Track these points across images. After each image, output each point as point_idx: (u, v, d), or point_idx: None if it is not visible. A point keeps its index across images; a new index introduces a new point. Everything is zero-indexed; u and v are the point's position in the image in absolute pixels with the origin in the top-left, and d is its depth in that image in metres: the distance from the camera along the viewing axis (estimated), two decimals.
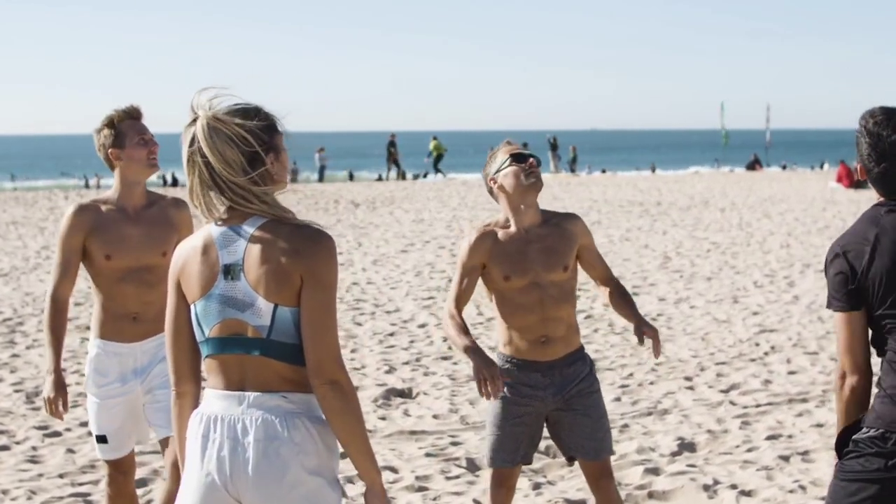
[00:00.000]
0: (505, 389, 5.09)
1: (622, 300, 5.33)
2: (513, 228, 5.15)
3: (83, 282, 12.38)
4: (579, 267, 5.30)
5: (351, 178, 51.29)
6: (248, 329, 3.36)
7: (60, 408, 5.25)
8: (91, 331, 5.39)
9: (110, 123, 5.22)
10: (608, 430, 5.26)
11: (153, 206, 5.33)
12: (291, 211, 3.44)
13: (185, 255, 3.48)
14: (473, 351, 4.93)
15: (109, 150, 5.20)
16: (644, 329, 5.17)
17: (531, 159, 5.14)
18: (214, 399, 3.42)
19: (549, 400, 5.17)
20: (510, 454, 5.19)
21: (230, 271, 3.38)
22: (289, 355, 3.37)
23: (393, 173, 46.25)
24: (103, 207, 5.25)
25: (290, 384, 3.38)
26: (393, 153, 45.71)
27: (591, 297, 13.68)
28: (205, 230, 3.47)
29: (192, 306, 3.45)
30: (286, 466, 3.33)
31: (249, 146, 3.36)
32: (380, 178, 47.45)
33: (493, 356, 5.16)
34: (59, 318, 5.23)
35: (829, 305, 3.92)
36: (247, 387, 3.38)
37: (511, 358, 5.17)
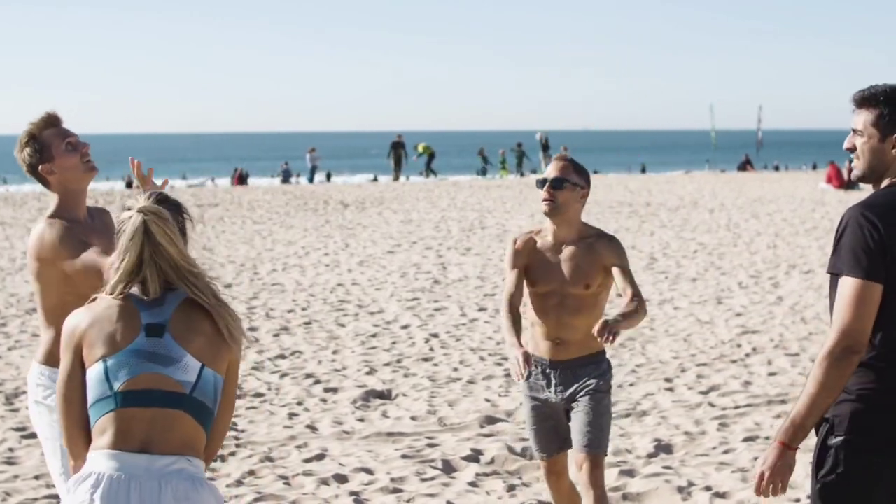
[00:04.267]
0: (522, 383, 5.64)
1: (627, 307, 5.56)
2: (549, 239, 5.65)
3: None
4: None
5: (328, 178, 51.04)
6: (170, 383, 3.39)
7: None
8: (44, 360, 4.71)
9: (30, 139, 4.72)
10: (603, 429, 5.51)
11: (93, 216, 4.88)
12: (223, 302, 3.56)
13: (92, 318, 3.48)
14: (511, 344, 5.55)
15: (40, 168, 4.72)
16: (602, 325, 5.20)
17: (546, 185, 5.61)
18: (112, 460, 3.37)
19: (557, 397, 5.58)
20: (545, 446, 5.68)
21: (153, 330, 3.43)
22: (203, 416, 3.44)
23: (403, 175, 45.89)
24: (67, 221, 4.69)
25: (193, 448, 3.43)
26: (399, 154, 45.54)
27: None
28: (115, 299, 3.49)
29: (97, 363, 3.41)
30: None
31: (184, 237, 3.57)
32: (375, 179, 47.40)
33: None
34: None
35: (850, 271, 3.67)
36: (152, 448, 3.38)
37: (531, 354, 5.56)
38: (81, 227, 4.73)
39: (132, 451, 3.35)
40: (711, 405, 9.02)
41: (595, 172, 55.97)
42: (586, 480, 5.44)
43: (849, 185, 35.90)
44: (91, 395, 3.40)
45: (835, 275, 3.76)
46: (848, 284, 3.68)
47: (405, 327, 12.50)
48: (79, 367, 3.45)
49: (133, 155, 5.17)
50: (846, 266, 3.70)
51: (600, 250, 5.55)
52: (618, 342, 11.39)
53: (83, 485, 3.36)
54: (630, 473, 7.28)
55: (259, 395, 9.54)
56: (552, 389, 5.58)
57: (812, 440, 3.94)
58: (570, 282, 5.52)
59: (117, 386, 3.37)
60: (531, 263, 5.63)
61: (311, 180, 46.79)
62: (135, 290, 3.50)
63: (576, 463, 5.53)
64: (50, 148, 4.72)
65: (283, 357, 11.01)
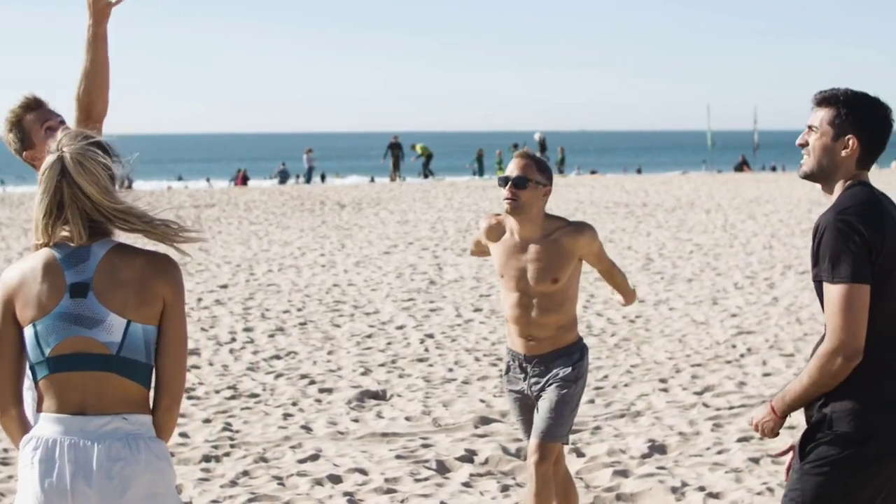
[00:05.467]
0: (503, 378, 5.81)
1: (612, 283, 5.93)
2: (515, 237, 5.64)
3: None
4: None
5: (323, 179, 51.18)
6: (95, 346, 3.40)
7: None
8: None
9: (12, 126, 4.78)
10: (564, 417, 5.51)
11: None
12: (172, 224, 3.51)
13: (21, 276, 3.48)
14: None
15: (24, 154, 4.78)
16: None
17: (509, 184, 5.53)
18: (52, 423, 3.43)
19: (531, 389, 5.64)
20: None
21: (77, 290, 3.41)
22: (135, 373, 3.43)
23: (401, 176, 45.85)
24: None
25: (131, 405, 3.44)
26: (397, 155, 45.51)
27: None
28: (43, 253, 3.49)
29: (29, 327, 3.44)
30: (129, 484, 3.38)
31: (111, 176, 3.48)
32: (372, 180, 47.43)
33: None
34: None
35: (836, 277, 3.70)
36: (87, 409, 3.41)
37: (509, 350, 5.73)
38: None
39: (70, 414, 3.41)
40: (706, 406, 9.03)
41: (593, 173, 56.05)
42: (531, 469, 5.51)
43: None
44: (29, 357, 3.46)
45: (819, 282, 3.79)
46: (835, 290, 3.72)
47: (400, 328, 12.51)
48: (10, 323, 3.46)
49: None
50: (831, 273, 3.73)
51: (568, 244, 5.54)
52: (614, 342, 11.42)
53: (26, 447, 3.44)
54: (624, 474, 7.29)
55: (254, 395, 9.55)
56: (527, 382, 5.64)
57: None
58: (537, 282, 5.52)
59: (48, 351, 3.41)
60: (497, 252, 5.66)
61: (308, 181, 46.92)
62: (66, 232, 3.46)
63: (529, 450, 5.57)
64: (30, 135, 4.76)
65: (278, 357, 11.02)
